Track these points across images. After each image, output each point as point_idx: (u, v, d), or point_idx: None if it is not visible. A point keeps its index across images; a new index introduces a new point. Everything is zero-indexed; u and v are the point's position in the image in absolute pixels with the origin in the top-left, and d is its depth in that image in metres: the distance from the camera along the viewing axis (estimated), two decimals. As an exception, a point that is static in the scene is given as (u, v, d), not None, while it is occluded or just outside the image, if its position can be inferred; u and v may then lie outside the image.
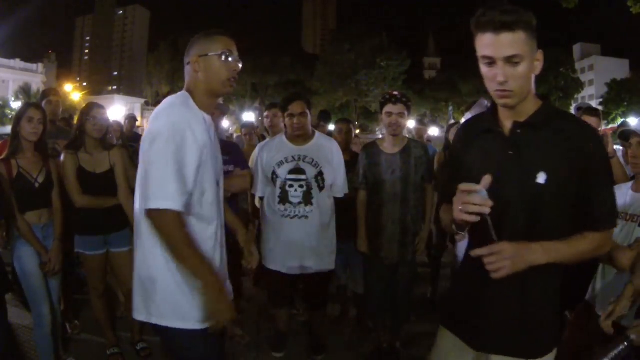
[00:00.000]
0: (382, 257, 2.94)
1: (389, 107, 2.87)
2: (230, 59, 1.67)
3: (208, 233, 1.68)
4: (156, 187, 1.50)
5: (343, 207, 3.06)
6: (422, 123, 9.38)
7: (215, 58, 1.66)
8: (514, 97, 1.34)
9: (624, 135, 2.25)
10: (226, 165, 3.09)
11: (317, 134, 3.04)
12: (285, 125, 3.00)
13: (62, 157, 2.88)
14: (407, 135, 3.23)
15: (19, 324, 3.40)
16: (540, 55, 1.35)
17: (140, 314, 1.65)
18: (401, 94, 2.96)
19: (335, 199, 3.01)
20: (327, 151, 2.94)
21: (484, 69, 1.35)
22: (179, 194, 1.50)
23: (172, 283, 1.59)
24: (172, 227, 1.50)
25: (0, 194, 2.52)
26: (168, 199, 1.48)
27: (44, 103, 3.67)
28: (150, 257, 1.61)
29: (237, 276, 3.42)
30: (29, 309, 2.89)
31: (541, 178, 1.33)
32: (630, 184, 2.18)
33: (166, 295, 1.60)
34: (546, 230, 1.35)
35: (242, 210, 4.72)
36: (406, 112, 2.88)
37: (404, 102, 2.86)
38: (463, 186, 1.27)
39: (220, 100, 3.47)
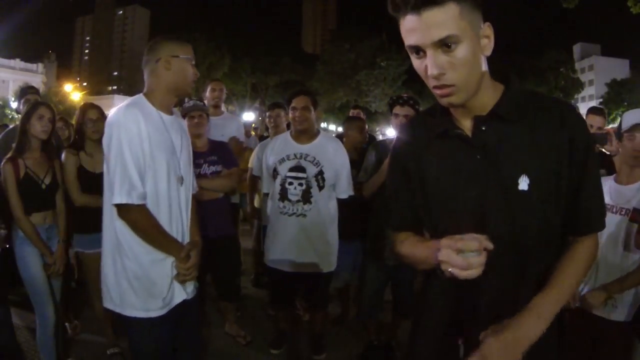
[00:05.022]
0: (385, 258, 2.92)
1: (396, 109, 2.92)
2: (193, 65, 1.88)
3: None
4: (117, 184, 1.67)
5: (351, 207, 3.04)
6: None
7: (186, 61, 1.84)
8: (459, 93, 1.01)
9: None
10: (214, 166, 3.09)
11: (322, 133, 3.04)
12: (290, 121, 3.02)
13: (63, 156, 2.85)
14: None
15: (18, 324, 3.38)
16: (488, 29, 1.02)
17: (105, 302, 1.82)
18: (409, 96, 2.99)
19: (342, 199, 2.99)
20: (329, 151, 2.93)
21: (415, 63, 1.03)
22: (130, 189, 1.66)
23: (112, 274, 1.76)
24: (135, 218, 1.70)
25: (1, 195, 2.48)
26: (123, 195, 1.66)
27: (22, 102, 3.56)
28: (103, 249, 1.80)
29: (235, 276, 3.40)
30: (28, 309, 2.86)
31: (523, 183, 1.05)
32: (613, 176, 2.20)
33: (111, 286, 1.77)
34: (534, 246, 1.09)
35: (241, 211, 4.72)
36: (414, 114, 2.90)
37: (411, 105, 2.90)
38: (452, 243, 0.96)
39: (226, 111, 3.46)
